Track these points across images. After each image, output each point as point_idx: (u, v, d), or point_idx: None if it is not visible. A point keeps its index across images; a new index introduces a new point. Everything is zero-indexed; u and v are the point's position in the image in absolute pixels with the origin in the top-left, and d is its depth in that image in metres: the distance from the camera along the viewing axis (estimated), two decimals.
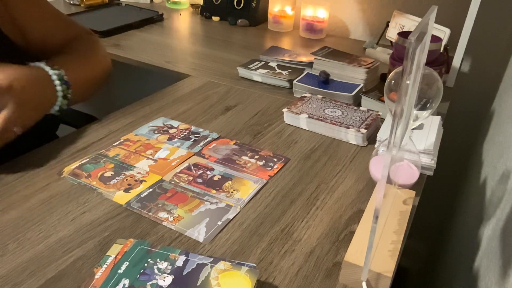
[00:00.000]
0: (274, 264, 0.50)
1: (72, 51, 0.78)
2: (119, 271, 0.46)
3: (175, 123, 0.79)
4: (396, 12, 1.19)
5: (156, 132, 0.76)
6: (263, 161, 0.69)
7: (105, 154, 0.69)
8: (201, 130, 0.78)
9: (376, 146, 0.74)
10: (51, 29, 0.80)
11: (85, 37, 0.84)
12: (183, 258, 0.47)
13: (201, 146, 0.73)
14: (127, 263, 0.47)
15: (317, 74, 0.95)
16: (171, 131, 0.77)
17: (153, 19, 1.39)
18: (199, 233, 0.54)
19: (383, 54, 1.15)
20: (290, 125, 0.81)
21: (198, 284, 0.44)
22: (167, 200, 0.59)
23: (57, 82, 0.68)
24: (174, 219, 0.56)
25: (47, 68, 0.68)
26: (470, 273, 0.72)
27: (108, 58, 0.86)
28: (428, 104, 0.54)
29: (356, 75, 0.94)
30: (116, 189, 0.61)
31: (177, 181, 0.64)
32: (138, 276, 0.45)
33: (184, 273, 0.46)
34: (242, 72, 1.01)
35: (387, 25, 1.21)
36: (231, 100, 0.90)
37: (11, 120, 0.61)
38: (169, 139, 0.74)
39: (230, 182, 0.64)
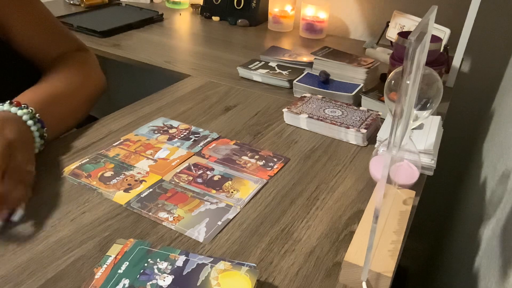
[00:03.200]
0: (274, 264, 0.50)
1: (54, 77, 0.73)
2: (119, 271, 0.46)
3: (175, 123, 0.79)
4: (396, 12, 1.19)
5: (156, 132, 0.76)
6: (263, 161, 0.69)
7: (105, 154, 0.69)
8: (201, 130, 0.78)
9: (376, 146, 0.74)
10: (37, 41, 0.76)
11: (77, 56, 0.80)
12: (183, 258, 0.47)
13: (201, 146, 0.73)
14: (127, 263, 0.47)
15: (317, 74, 0.95)
16: (171, 131, 0.77)
17: (153, 19, 1.39)
18: (199, 233, 0.54)
19: (383, 54, 1.15)
20: (290, 125, 0.81)
21: (198, 284, 0.44)
22: (167, 200, 0.59)
23: (30, 122, 0.62)
24: (174, 219, 0.56)
25: (14, 109, 0.62)
26: (470, 273, 0.72)
27: (101, 75, 0.82)
28: (428, 104, 0.54)
29: (356, 75, 0.94)
30: (116, 189, 0.61)
31: (177, 181, 0.64)
32: (138, 276, 0.45)
33: (184, 273, 0.46)
34: (242, 72, 1.01)
35: (387, 25, 1.21)
36: (231, 100, 0.90)
37: (18, 160, 0.57)
38: (169, 139, 0.74)
39: (230, 182, 0.64)
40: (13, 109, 0.62)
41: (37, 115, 0.64)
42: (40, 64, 0.77)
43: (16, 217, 0.54)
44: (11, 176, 0.54)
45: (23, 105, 0.63)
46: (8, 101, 0.63)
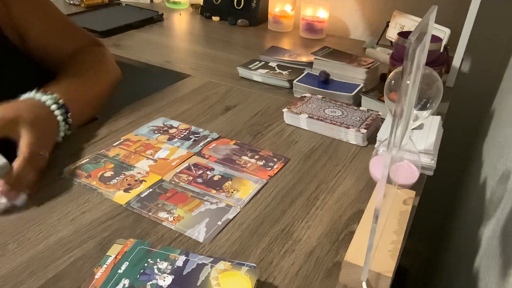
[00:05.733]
0: (274, 264, 0.50)
1: (73, 68, 0.76)
2: (119, 271, 0.46)
3: (175, 123, 0.79)
4: (396, 12, 1.19)
5: (156, 132, 0.76)
6: (263, 161, 0.69)
7: (105, 154, 0.69)
8: (201, 130, 0.78)
9: (376, 146, 0.74)
10: (54, 38, 0.78)
11: (92, 49, 0.82)
12: (183, 258, 0.47)
13: (201, 146, 0.73)
14: (127, 263, 0.47)
15: (317, 74, 0.95)
16: (171, 131, 0.77)
17: (153, 19, 1.39)
18: (199, 233, 0.54)
19: (383, 54, 1.15)
20: (290, 125, 0.81)
21: (198, 284, 0.44)
22: (167, 200, 0.59)
23: (53, 107, 0.65)
24: (174, 219, 0.56)
25: (38, 96, 0.65)
26: (470, 273, 0.72)
27: (116, 69, 0.84)
28: (428, 104, 0.54)
29: (356, 75, 0.94)
30: (116, 189, 0.61)
31: (177, 181, 0.64)
32: (138, 276, 0.45)
33: (184, 273, 0.46)
34: (242, 72, 1.01)
35: (387, 25, 1.21)
36: (231, 100, 0.90)
37: (34, 144, 0.59)
38: (169, 139, 0.74)
39: (230, 182, 0.64)
40: (38, 96, 0.65)
41: (60, 100, 0.66)
42: (56, 61, 0.78)
43: (19, 201, 0.56)
44: (30, 161, 0.58)
45: (48, 92, 0.66)
46: (35, 90, 0.66)
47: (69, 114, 0.68)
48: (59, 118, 0.66)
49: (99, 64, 0.81)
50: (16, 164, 0.57)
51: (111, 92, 0.82)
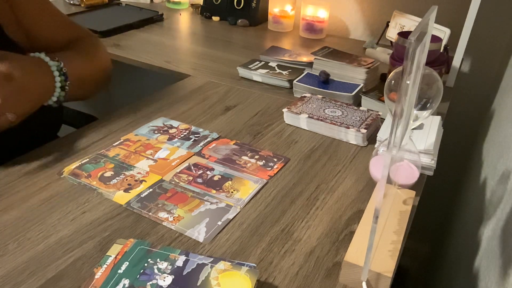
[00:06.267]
0: (274, 264, 0.50)
1: (73, 48, 0.78)
2: (119, 271, 0.46)
3: (175, 123, 0.79)
4: (396, 12, 1.19)
5: (156, 132, 0.76)
6: (263, 161, 0.69)
7: (105, 154, 0.69)
8: (201, 130, 0.78)
9: (376, 146, 0.74)
10: (55, 31, 0.80)
11: (86, 38, 0.84)
12: (183, 258, 0.47)
13: (201, 146, 0.73)
14: (127, 263, 0.47)
15: (317, 74, 0.95)
16: (171, 131, 0.77)
17: (153, 19, 1.39)
18: (199, 233, 0.54)
19: (383, 54, 1.15)
20: (290, 125, 0.81)
21: (198, 284, 0.44)
22: (167, 200, 0.59)
23: (56, 73, 0.68)
24: (174, 219, 0.56)
25: (47, 59, 0.68)
26: (470, 273, 0.72)
27: (108, 58, 0.86)
28: (428, 104, 0.54)
29: (356, 75, 0.94)
30: (116, 189, 0.61)
31: (177, 181, 0.64)
32: (138, 276, 0.45)
33: (184, 273, 0.46)
34: (242, 72, 1.01)
35: (387, 25, 1.21)
36: (231, 100, 0.90)
37: (4, 106, 0.61)
38: (169, 139, 0.74)
39: (230, 182, 0.64)
40: (46, 59, 0.68)
41: (64, 68, 0.70)
42: (53, 51, 0.79)
43: None
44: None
45: (55, 58, 0.69)
46: (44, 52, 0.69)
47: (68, 82, 0.70)
48: (57, 84, 0.69)
49: (94, 50, 0.83)
50: None
51: (104, 79, 0.83)
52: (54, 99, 0.70)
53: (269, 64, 1.03)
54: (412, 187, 0.63)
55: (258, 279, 0.48)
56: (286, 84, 0.97)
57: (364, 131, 0.74)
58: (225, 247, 0.52)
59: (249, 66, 1.01)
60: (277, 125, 0.81)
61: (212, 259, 0.47)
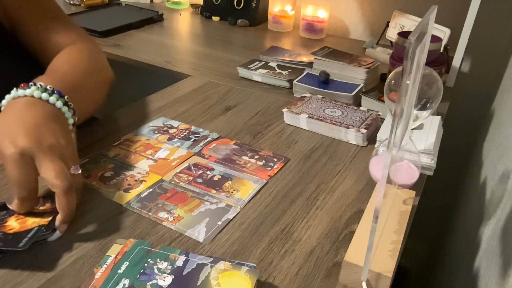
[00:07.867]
0: (274, 264, 0.50)
1: (68, 62, 0.70)
2: (119, 271, 0.46)
3: (175, 123, 0.79)
4: (396, 12, 1.19)
5: (156, 132, 0.76)
6: (263, 161, 0.69)
7: (105, 154, 0.69)
8: (201, 130, 0.78)
9: (376, 146, 0.74)
10: (45, 28, 0.75)
11: (85, 45, 0.78)
12: (183, 258, 0.47)
13: (201, 146, 0.73)
14: (127, 263, 0.47)
15: (317, 74, 0.95)
16: (171, 131, 0.77)
17: (153, 19, 1.39)
18: (199, 233, 0.54)
19: (383, 54, 1.15)
20: (290, 125, 0.81)
21: (198, 284, 0.44)
22: (167, 200, 0.59)
23: (70, 120, 0.59)
24: (174, 219, 0.56)
25: (59, 104, 0.57)
26: (470, 273, 0.72)
27: (108, 68, 0.81)
28: (428, 104, 0.54)
29: (356, 75, 0.94)
30: (116, 189, 0.61)
31: (177, 181, 0.64)
32: (138, 276, 0.45)
33: (184, 273, 0.46)
34: (242, 72, 1.01)
35: (387, 25, 1.21)
36: (231, 100, 0.90)
37: (62, 168, 0.52)
38: (169, 139, 0.74)
39: (230, 182, 0.64)
40: (58, 104, 0.57)
41: (73, 109, 0.60)
42: (46, 54, 0.75)
43: (53, 237, 0.52)
44: (68, 191, 0.51)
45: (55, 91, 0.57)
46: (32, 83, 0.56)
47: (76, 117, 0.61)
48: (66, 114, 0.59)
49: (92, 59, 0.76)
50: (58, 203, 0.51)
51: (105, 90, 0.77)
52: (71, 121, 0.60)
53: (269, 64, 1.03)
54: (412, 187, 0.63)
55: (258, 279, 0.48)
56: (286, 84, 0.97)
57: (364, 131, 0.74)
58: (225, 247, 0.52)
59: (249, 66, 1.01)
60: (277, 125, 0.81)
61: (212, 259, 0.47)
